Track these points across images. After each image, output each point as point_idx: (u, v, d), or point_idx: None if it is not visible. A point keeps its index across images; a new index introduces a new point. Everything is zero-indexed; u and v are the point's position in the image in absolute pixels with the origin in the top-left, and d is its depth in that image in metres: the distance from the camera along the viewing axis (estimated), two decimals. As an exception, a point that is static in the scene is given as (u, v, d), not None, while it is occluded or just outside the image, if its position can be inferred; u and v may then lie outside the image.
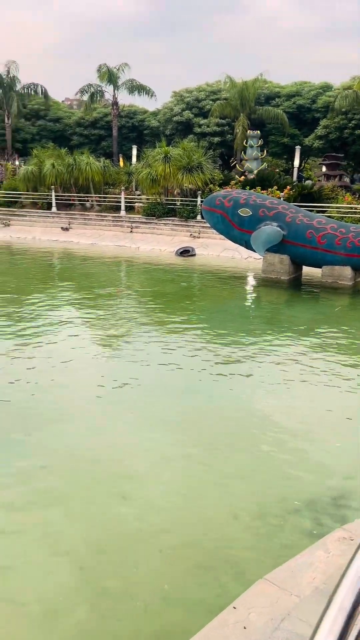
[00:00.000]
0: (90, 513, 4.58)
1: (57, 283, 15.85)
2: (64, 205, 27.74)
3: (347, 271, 14.33)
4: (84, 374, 7.81)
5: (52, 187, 26.89)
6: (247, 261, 18.48)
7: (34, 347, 8.83)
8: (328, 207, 20.67)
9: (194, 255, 20.16)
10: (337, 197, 22.05)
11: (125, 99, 40.76)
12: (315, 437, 5.96)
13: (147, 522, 4.45)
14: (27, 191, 28.14)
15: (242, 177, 26.11)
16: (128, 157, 33.26)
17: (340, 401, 7.00)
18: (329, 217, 17.27)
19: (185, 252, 20.26)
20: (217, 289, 15.16)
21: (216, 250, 20.25)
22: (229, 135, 35.65)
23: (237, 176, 27.23)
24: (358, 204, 21.06)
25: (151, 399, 6.95)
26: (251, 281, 16.12)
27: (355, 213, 20.36)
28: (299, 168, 29.85)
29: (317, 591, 3.11)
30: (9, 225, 26.87)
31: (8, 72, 37.40)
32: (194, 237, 22.23)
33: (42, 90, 39.41)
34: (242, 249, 17.52)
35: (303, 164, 34.04)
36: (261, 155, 27.71)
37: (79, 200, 27.96)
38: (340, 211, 20.37)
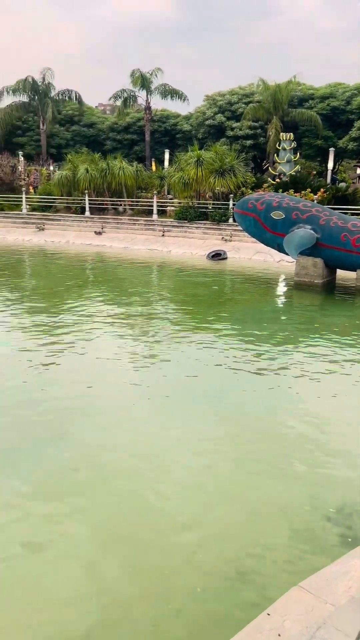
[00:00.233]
0: (120, 509, 4.61)
1: (90, 286, 16.04)
2: (97, 210, 28.07)
3: (383, 275, 14.07)
4: (116, 374, 7.87)
5: (86, 191, 27.24)
6: (280, 264, 18.33)
7: (67, 345, 8.95)
8: (363, 209, 20.35)
9: (226, 258, 20.12)
10: (372, 200, 21.70)
11: (158, 104, 41.21)
12: (353, 445, 5.85)
13: (179, 524, 4.45)
14: (62, 196, 28.59)
15: (278, 180, 25.95)
16: (160, 161, 33.49)
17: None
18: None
19: (217, 256, 20.22)
20: (249, 293, 15.08)
21: (248, 254, 20.16)
22: (262, 138, 35.49)
23: (269, 179, 27.08)
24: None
25: (183, 401, 6.96)
26: (284, 285, 15.98)
27: (391, 215, 19.98)
28: (332, 170, 29.52)
29: (353, 600, 3.05)
30: (43, 229, 27.33)
31: (43, 79, 38.16)
32: (225, 240, 22.19)
33: (76, 96, 40.06)
34: (274, 252, 17.39)
35: (337, 166, 33.68)
36: (294, 157, 27.47)
37: (112, 205, 28.25)
38: (375, 214, 20.02)
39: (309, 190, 22.81)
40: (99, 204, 28.09)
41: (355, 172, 40.60)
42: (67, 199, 28.53)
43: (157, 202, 26.00)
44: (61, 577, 3.86)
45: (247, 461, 5.48)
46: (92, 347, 9.17)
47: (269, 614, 2.96)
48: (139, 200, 27.46)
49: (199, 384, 7.67)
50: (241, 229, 17.83)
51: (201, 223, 24.11)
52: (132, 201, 27.69)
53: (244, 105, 36.31)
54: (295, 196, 19.32)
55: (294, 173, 26.17)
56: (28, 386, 7.41)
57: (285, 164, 27.29)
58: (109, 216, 27.45)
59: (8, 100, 38.36)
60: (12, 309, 12.04)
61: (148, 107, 37.94)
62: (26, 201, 29.34)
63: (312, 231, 14.45)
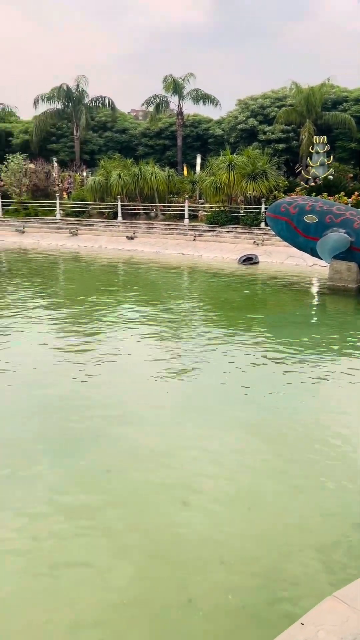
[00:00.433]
0: (149, 517, 4.61)
1: (122, 290, 16.16)
2: (129, 215, 28.31)
3: None
4: (147, 378, 7.89)
5: (118, 196, 27.51)
6: (313, 269, 18.12)
7: (103, 351, 9.03)
8: None
9: (258, 263, 19.99)
10: None
11: (190, 109, 41.33)
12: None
13: (208, 531, 4.42)
14: (94, 201, 28.96)
15: (312, 183, 25.68)
16: (192, 166, 33.56)
17: None
18: None
19: (249, 260, 20.12)
20: (281, 298, 14.94)
21: (280, 258, 19.99)
22: (294, 142, 35.19)
23: (302, 183, 26.82)
24: None
25: (216, 406, 6.93)
26: (317, 289, 15.77)
27: None
28: (367, 173, 29.02)
29: (390, 613, 2.97)
30: (76, 234, 27.71)
31: (77, 86, 38.75)
32: (257, 244, 22.06)
33: (109, 102, 40.56)
34: (307, 256, 17.20)
35: (372, 169, 33.04)
36: (327, 161, 27.15)
37: (144, 210, 28.45)
38: None
39: (342, 193, 22.50)
40: (131, 209, 28.33)
41: (391, 175, 39.81)
42: (99, 204, 28.88)
43: (189, 206, 26.07)
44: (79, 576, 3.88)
45: (286, 472, 5.40)
46: (125, 352, 9.23)
47: (302, 624, 2.91)
48: (170, 205, 27.59)
49: (235, 390, 7.60)
50: (273, 233, 17.71)
51: (232, 227, 24.04)
52: (163, 206, 27.83)
53: (276, 109, 36.09)
54: (329, 200, 19.08)
55: (327, 176, 25.87)
56: (67, 391, 7.50)
57: (319, 167, 26.99)
58: (140, 221, 27.65)
59: (43, 107, 39.14)
60: (47, 314, 12.22)
61: (180, 113, 38.10)
62: (60, 206, 29.83)
63: (346, 235, 14.24)
